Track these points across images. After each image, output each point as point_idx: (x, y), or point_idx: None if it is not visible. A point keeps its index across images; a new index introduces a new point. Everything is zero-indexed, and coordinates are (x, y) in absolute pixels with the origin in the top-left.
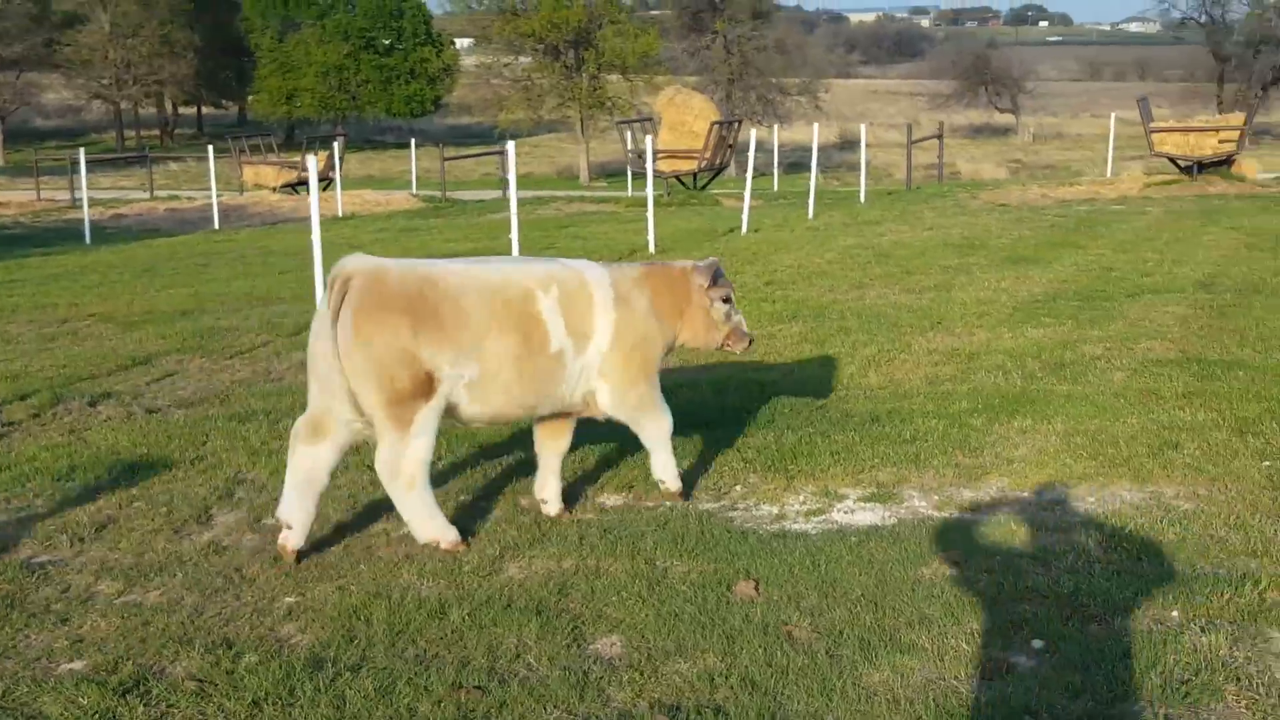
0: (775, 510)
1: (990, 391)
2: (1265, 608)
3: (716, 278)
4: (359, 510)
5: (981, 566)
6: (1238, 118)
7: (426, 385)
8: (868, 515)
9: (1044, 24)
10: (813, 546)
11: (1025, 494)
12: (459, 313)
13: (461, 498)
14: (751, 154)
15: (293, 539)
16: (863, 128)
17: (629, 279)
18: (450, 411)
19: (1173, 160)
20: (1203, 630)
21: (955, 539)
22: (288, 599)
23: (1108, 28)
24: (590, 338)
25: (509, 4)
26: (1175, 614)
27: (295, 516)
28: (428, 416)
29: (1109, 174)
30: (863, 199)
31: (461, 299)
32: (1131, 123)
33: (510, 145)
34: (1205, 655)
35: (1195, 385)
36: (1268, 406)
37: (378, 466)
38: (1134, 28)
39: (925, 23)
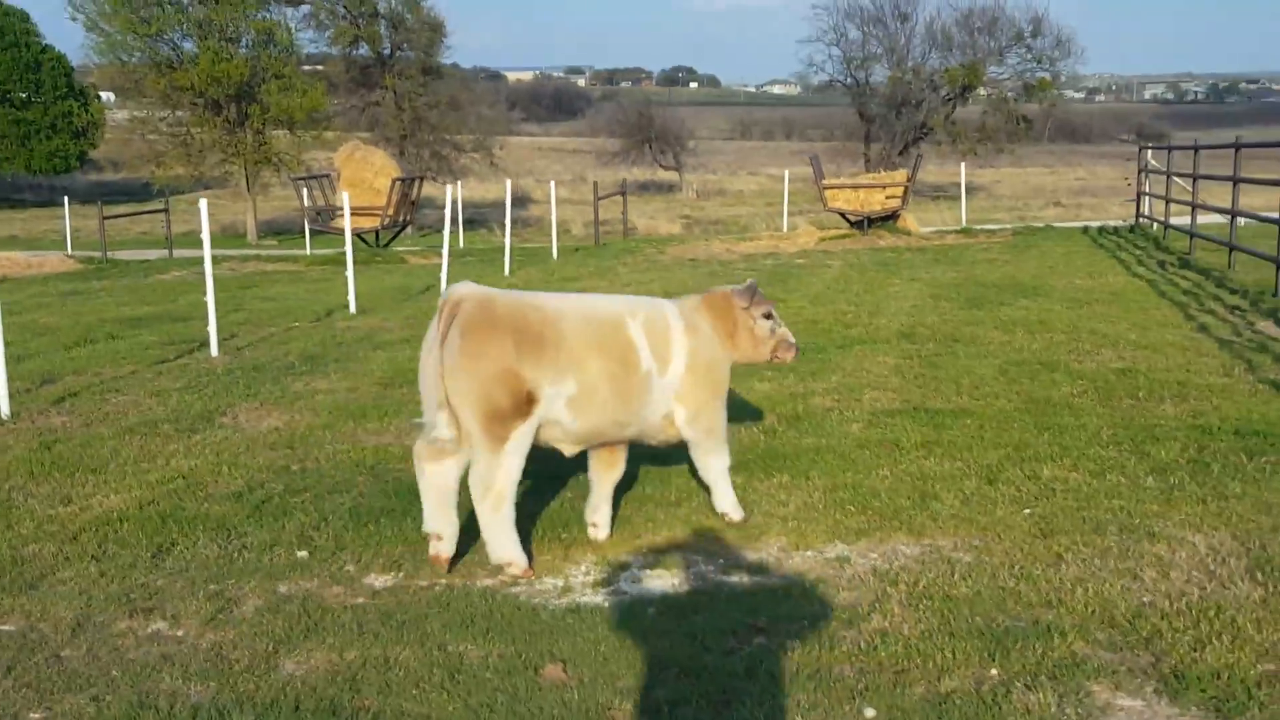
0: (560, 583)
1: (737, 448)
2: (1079, 661)
3: (753, 296)
4: (91, 605)
5: (792, 632)
6: (902, 174)
7: (526, 404)
8: (657, 583)
9: (694, 85)
10: (612, 620)
11: (809, 552)
12: (559, 335)
13: (212, 586)
14: (449, 211)
15: (445, 549)
16: (551, 185)
17: (691, 308)
18: (551, 430)
19: (843, 215)
20: (1027, 688)
21: (757, 604)
22: (33, 715)
23: (753, 89)
24: (669, 362)
25: (163, 57)
26: (995, 672)
27: (444, 529)
28: (523, 435)
29: (784, 228)
30: (555, 255)
31: (561, 323)
32: (793, 179)
33: (203, 203)
34: (1039, 715)
35: (931, 434)
36: (1006, 453)
37: (471, 483)
38: (777, 89)
39: (581, 82)
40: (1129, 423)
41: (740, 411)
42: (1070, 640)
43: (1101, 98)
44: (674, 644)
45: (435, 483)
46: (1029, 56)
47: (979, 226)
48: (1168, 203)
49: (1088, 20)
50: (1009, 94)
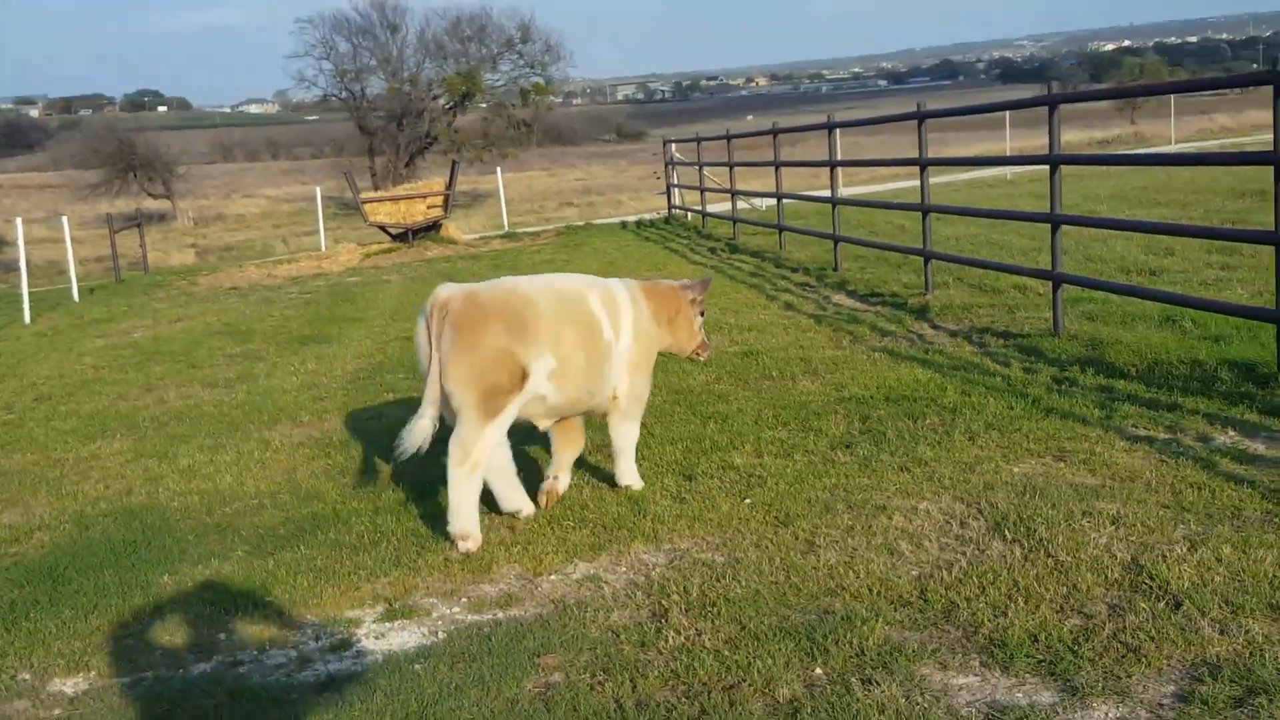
0: (292, 654)
1: (390, 474)
2: (896, 646)
3: (705, 291)
4: None
5: (590, 665)
6: (439, 183)
7: (520, 380)
8: (407, 636)
9: (163, 109)
10: (383, 688)
11: (554, 576)
12: (538, 314)
13: None
14: None
15: (528, 509)
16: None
17: (634, 289)
18: (534, 406)
19: (385, 229)
20: (865, 684)
21: (532, 640)
22: None
23: (228, 110)
24: (621, 334)
25: None
26: (819, 671)
27: (520, 501)
28: (511, 410)
29: (323, 247)
30: (76, 296)
31: (539, 303)
32: (304, 198)
33: None
34: (894, 711)
35: (595, 436)
36: (685, 446)
37: (450, 444)
38: (254, 109)
39: (35, 112)
40: (781, 402)
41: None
42: (875, 626)
43: (579, 101)
44: (465, 701)
45: (501, 466)
46: (521, 62)
47: (522, 229)
48: (703, 192)
49: (569, 25)
50: (506, 100)
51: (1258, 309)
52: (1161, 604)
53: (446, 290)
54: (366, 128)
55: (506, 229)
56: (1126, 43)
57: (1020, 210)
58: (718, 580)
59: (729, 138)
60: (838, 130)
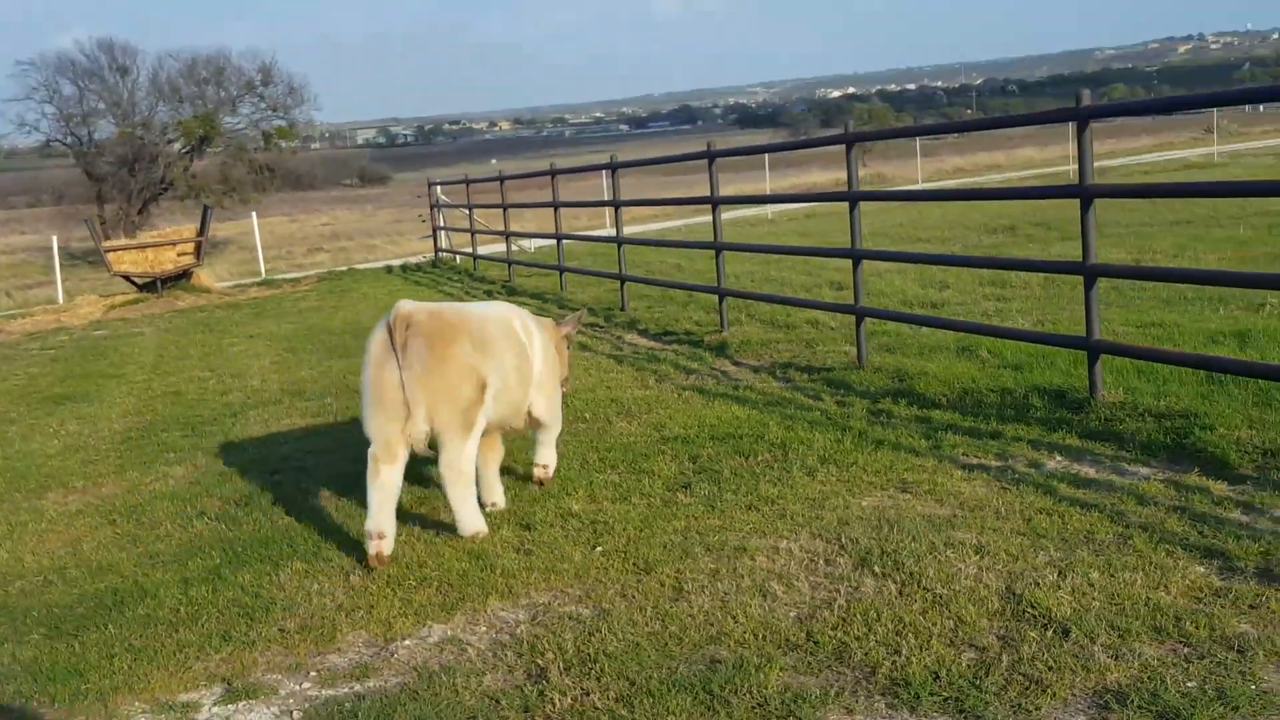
0: None
1: (189, 541)
2: (799, 694)
3: (578, 326)
4: None
5: None
6: (190, 230)
7: (483, 394)
8: (255, 718)
9: None
10: None
11: (408, 641)
12: (491, 335)
13: None
14: None
15: (387, 546)
16: None
17: (533, 317)
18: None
19: (130, 279)
20: None
21: (403, 713)
22: None
23: None
24: (534, 357)
25: None
26: None
27: (388, 526)
28: (481, 422)
29: (60, 299)
30: None
31: (488, 325)
32: (13, 250)
33: None
34: None
35: (419, 490)
36: (513, 494)
37: (444, 470)
38: None
39: None
40: (603, 445)
41: (173, 505)
42: (770, 673)
43: (317, 145)
44: None
45: (389, 482)
46: (262, 105)
47: (279, 276)
48: (473, 234)
49: (306, 67)
50: (248, 144)
51: (1072, 337)
52: (1050, 632)
53: (409, 305)
54: (94, 174)
55: (264, 275)
56: (851, 90)
57: (824, 246)
58: (591, 635)
59: (502, 179)
60: (618, 170)
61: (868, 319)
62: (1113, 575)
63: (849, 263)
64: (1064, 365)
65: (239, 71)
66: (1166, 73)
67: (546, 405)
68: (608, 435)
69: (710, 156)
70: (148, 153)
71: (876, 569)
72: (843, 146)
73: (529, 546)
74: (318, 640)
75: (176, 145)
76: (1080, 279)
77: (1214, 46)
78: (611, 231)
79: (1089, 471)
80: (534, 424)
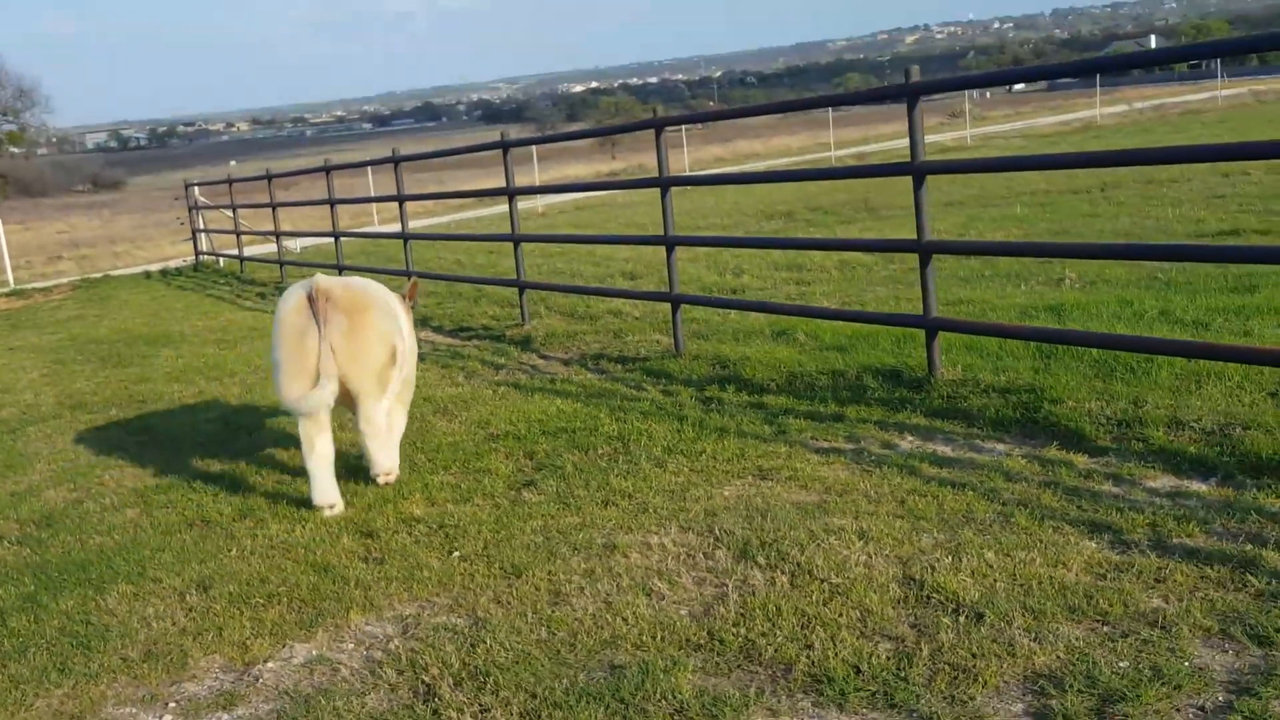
0: None
1: (66, 560)
2: (720, 698)
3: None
4: None
5: None
6: None
7: (394, 358)
8: None
9: None
10: None
11: (271, 664)
12: (393, 306)
13: None
14: None
15: (339, 508)
16: None
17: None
18: None
19: None
20: None
21: None
22: None
23: None
24: (405, 329)
25: None
26: None
27: (336, 495)
28: (395, 380)
29: None
30: None
31: (390, 297)
32: None
33: None
34: None
35: (242, 503)
36: (346, 502)
37: (363, 425)
38: None
39: None
40: (428, 446)
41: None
42: (680, 676)
43: (44, 151)
44: None
45: (325, 452)
46: None
47: (29, 286)
48: (239, 235)
49: (29, 70)
50: None
51: (908, 316)
52: (963, 618)
53: (324, 280)
54: None
55: (12, 286)
56: (594, 84)
57: (634, 235)
58: (475, 646)
59: (270, 177)
60: (400, 165)
61: (685, 306)
62: (1008, 555)
63: (637, 251)
64: (888, 345)
65: None
66: (898, 62)
67: (410, 373)
68: (430, 435)
69: (505, 146)
70: None
71: (761, 560)
72: (622, 134)
73: (377, 555)
74: (168, 668)
75: None
76: (916, 256)
77: (939, 36)
78: (382, 228)
79: (945, 450)
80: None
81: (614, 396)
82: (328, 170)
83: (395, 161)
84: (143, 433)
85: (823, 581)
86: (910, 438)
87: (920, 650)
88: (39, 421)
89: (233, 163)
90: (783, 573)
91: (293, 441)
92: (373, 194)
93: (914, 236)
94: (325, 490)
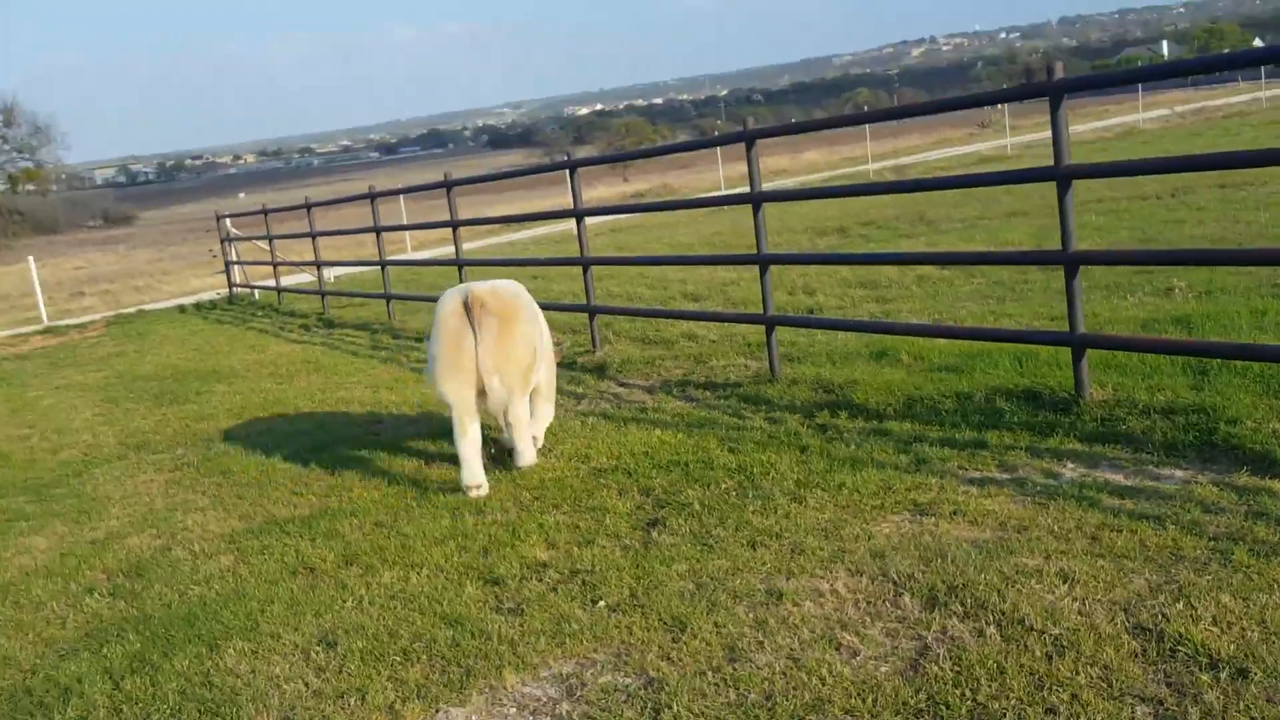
0: None
1: (87, 623)
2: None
3: None
4: None
5: None
6: None
7: (534, 357)
8: None
9: None
10: None
11: None
12: (535, 310)
13: None
14: None
15: (485, 489)
16: None
17: None
18: None
19: None
20: None
21: None
22: None
23: None
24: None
25: None
26: None
27: (483, 475)
28: (532, 380)
29: None
30: None
31: (532, 301)
32: None
33: None
34: None
35: (340, 547)
36: (459, 546)
37: (511, 419)
38: None
39: None
40: (524, 482)
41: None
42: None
43: (55, 188)
44: None
45: (475, 437)
46: (6, 147)
47: (65, 323)
48: (275, 267)
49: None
50: None
51: (1055, 333)
52: (1225, 675)
53: (478, 287)
54: None
55: (45, 323)
56: (599, 106)
57: (724, 254)
58: (658, 711)
59: (309, 206)
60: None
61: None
62: (1246, 599)
63: (691, 272)
64: (1008, 364)
65: None
66: (906, 75)
67: (547, 373)
68: (529, 471)
69: (572, 166)
70: None
71: (957, 608)
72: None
73: (510, 605)
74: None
75: None
76: (1053, 268)
77: (945, 48)
78: (417, 255)
79: (1117, 478)
80: (535, 391)
81: (717, 426)
82: (372, 197)
83: (448, 186)
84: (219, 474)
85: (1040, 633)
86: (1071, 465)
87: (1188, 714)
88: (104, 463)
89: (241, 195)
90: (988, 623)
91: (381, 480)
92: (405, 221)
93: (1073, 245)
94: (475, 471)
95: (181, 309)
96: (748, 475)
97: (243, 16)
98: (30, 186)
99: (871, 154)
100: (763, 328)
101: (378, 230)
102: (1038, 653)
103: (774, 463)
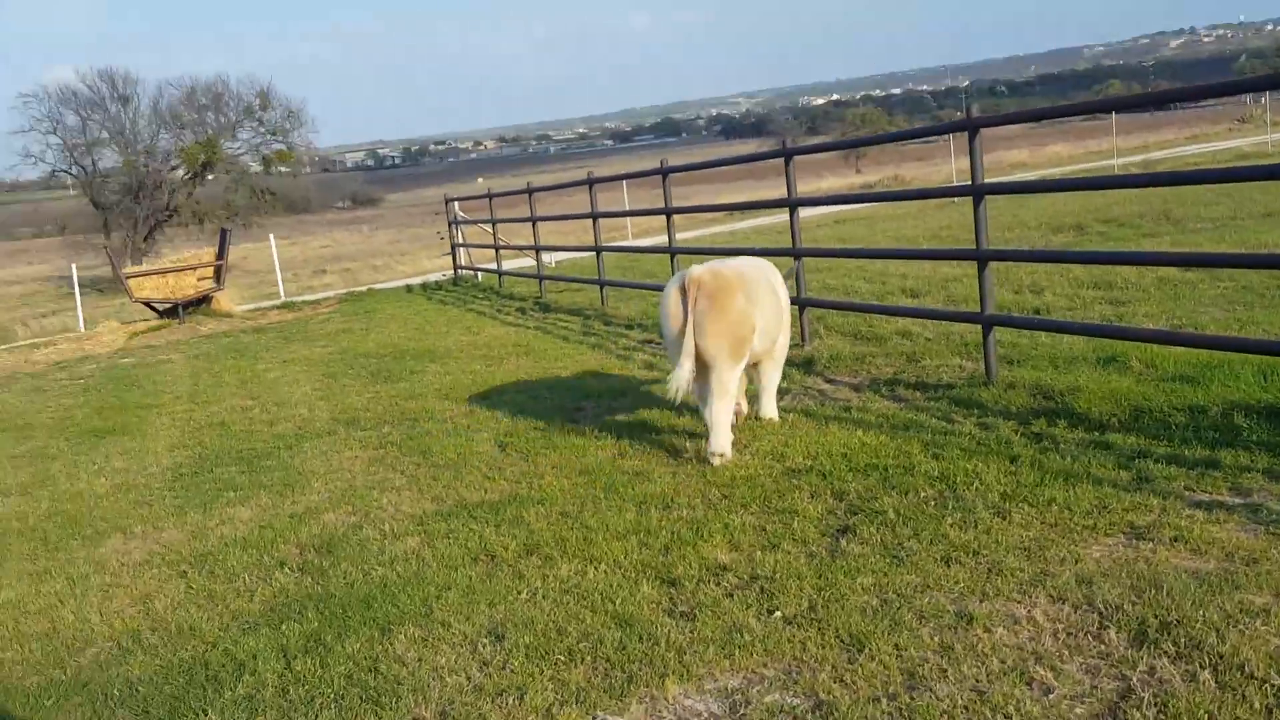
0: None
1: (274, 597)
2: None
3: None
4: None
5: None
6: (209, 254)
7: (753, 334)
8: None
9: None
10: None
11: None
12: (759, 286)
13: None
14: None
15: (729, 458)
16: None
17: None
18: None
19: (150, 305)
20: None
21: None
22: None
23: None
24: (781, 296)
25: None
26: None
27: (729, 445)
28: (746, 355)
29: (82, 328)
30: None
31: (757, 277)
32: (22, 280)
33: None
34: None
35: (523, 536)
36: (640, 541)
37: (715, 388)
38: None
39: None
40: (717, 480)
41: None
42: None
43: (308, 170)
44: None
45: (717, 408)
46: (262, 130)
47: (299, 299)
48: (498, 250)
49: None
50: (250, 168)
51: None
52: None
53: (697, 270)
54: (100, 203)
55: (283, 299)
56: (835, 96)
57: (940, 249)
58: (836, 712)
59: (530, 191)
60: (669, 176)
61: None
62: None
63: (913, 266)
64: (1251, 376)
65: (238, 97)
66: (1162, 67)
67: (784, 343)
68: (722, 469)
69: (788, 154)
70: (151, 180)
71: (1168, 648)
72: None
73: (684, 608)
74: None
75: (179, 172)
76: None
77: (1206, 40)
78: (637, 242)
79: None
80: (771, 359)
81: (923, 429)
82: (590, 184)
83: (664, 174)
84: (419, 454)
85: (1262, 683)
86: None
87: None
88: (315, 437)
89: (480, 179)
90: (1202, 666)
91: (572, 468)
92: (627, 207)
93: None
94: (721, 441)
95: (408, 289)
96: (949, 484)
97: (483, 4)
98: (283, 168)
99: (1120, 148)
100: (979, 327)
101: (594, 216)
102: (1257, 705)
103: (979, 472)
